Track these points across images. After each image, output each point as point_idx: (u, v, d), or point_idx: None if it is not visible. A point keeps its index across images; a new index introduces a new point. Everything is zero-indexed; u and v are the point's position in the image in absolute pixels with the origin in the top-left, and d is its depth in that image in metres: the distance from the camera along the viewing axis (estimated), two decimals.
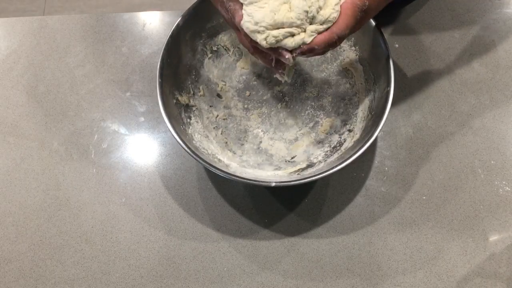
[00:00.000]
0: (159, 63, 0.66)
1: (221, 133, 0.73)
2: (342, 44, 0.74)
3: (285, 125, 0.74)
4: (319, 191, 0.71)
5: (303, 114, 0.74)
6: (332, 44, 0.54)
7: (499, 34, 0.80)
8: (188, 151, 0.62)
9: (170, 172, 0.73)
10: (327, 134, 0.72)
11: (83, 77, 0.80)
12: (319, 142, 0.72)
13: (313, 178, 0.60)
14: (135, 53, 0.81)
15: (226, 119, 0.74)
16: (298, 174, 0.67)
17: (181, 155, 0.74)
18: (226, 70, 0.76)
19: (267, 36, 0.53)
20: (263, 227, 0.69)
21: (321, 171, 0.61)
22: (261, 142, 0.73)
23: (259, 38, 0.54)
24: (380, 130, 0.61)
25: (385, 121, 0.61)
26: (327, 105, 0.74)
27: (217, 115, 0.74)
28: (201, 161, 0.61)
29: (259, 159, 0.71)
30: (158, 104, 0.64)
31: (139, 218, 0.70)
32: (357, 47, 0.72)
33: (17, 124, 0.77)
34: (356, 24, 0.55)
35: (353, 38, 0.72)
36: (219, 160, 0.68)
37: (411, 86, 0.77)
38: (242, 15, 0.55)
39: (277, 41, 0.54)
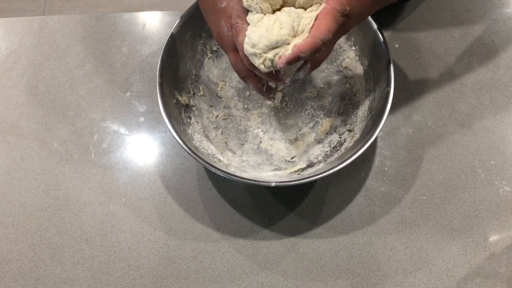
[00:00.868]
0: (159, 63, 0.66)
1: (221, 133, 0.73)
2: (342, 44, 0.74)
3: (285, 125, 0.74)
4: (319, 191, 0.71)
5: (303, 114, 0.74)
6: (317, 48, 0.52)
7: (499, 34, 0.80)
8: (188, 151, 0.62)
9: (170, 172, 0.73)
10: (327, 134, 0.72)
11: (83, 77, 0.80)
12: (319, 142, 0.72)
13: (313, 178, 0.60)
14: (135, 53, 0.81)
15: (226, 119, 0.74)
16: (298, 174, 0.67)
17: (181, 155, 0.74)
18: (226, 70, 0.76)
19: (264, 60, 0.53)
20: (263, 227, 0.69)
21: (321, 171, 0.61)
22: (261, 142, 0.73)
23: (257, 63, 0.53)
24: (380, 130, 0.61)
25: (385, 121, 0.61)
26: (327, 105, 0.74)
27: (217, 115, 0.74)
28: (201, 161, 0.61)
29: (259, 159, 0.71)
30: (158, 104, 0.64)
31: (139, 218, 0.70)
32: (357, 47, 0.72)
33: (17, 124, 0.77)
34: (339, 28, 0.53)
35: (353, 38, 0.72)
36: (219, 160, 0.68)
37: (411, 86, 0.77)
38: (245, 36, 0.53)
39: (272, 64, 0.53)
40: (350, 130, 0.70)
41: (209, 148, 0.68)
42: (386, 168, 0.72)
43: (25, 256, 0.69)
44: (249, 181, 0.61)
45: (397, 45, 0.79)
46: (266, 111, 0.75)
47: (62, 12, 1.71)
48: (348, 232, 0.68)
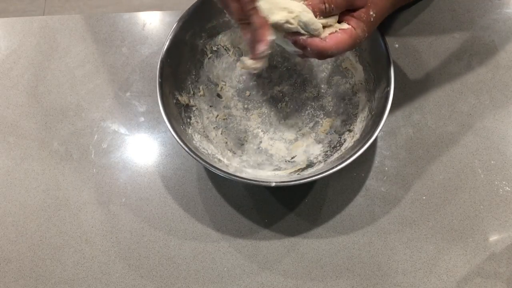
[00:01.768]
0: (159, 63, 0.66)
1: (221, 133, 0.73)
2: None
3: (285, 125, 0.74)
4: (319, 191, 0.71)
5: (303, 114, 0.74)
6: (323, 55, 0.55)
7: (499, 34, 0.80)
8: (188, 151, 0.62)
9: (170, 172, 0.73)
10: (327, 134, 0.72)
11: (83, 77, 0.80)
12: (319, 142, 0.72)
13: (313, 178, 0.60)
14: (135, 53, 0.81)
15: (226, 119, 0.74)
16: (298, 174, 0.67)
17: (181, 155, 0.74)
18: (226, 70, 0.76)
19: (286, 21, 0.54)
20: (263, 227, 0.69)
21: (321, 171, 0.61)
22: (261, 142, 0.73)
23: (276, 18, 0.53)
24: (380, 130, 0.61)
25: (385, 121, 0.61)
26: (327, 105, 0.74)
27: (217, 115, 0.74)
28: (201, 161, 0.61)
29: (259, 159, 0.71)
30: (158, 104, 0.64)
31: (139, 218, 0.70)
32: (357, 47, 0.72)
33: (17, 124, 0.77)
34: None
35: None
36: (219, 160, 0.68)
37: (411, 86, 0.77)
38: None
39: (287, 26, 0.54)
40: (350, 130, 0.70)
41: (209, 148, 0.68)
42: (386, 168, 0.72)
43: (25, 256, 0.69)
44: (249, 181, 0.61)
45: (397, 45, 0.79)
46: (266, 111, 0.75)
47: (62, 12, 1.71)
48: (348, 232, 0.68)
